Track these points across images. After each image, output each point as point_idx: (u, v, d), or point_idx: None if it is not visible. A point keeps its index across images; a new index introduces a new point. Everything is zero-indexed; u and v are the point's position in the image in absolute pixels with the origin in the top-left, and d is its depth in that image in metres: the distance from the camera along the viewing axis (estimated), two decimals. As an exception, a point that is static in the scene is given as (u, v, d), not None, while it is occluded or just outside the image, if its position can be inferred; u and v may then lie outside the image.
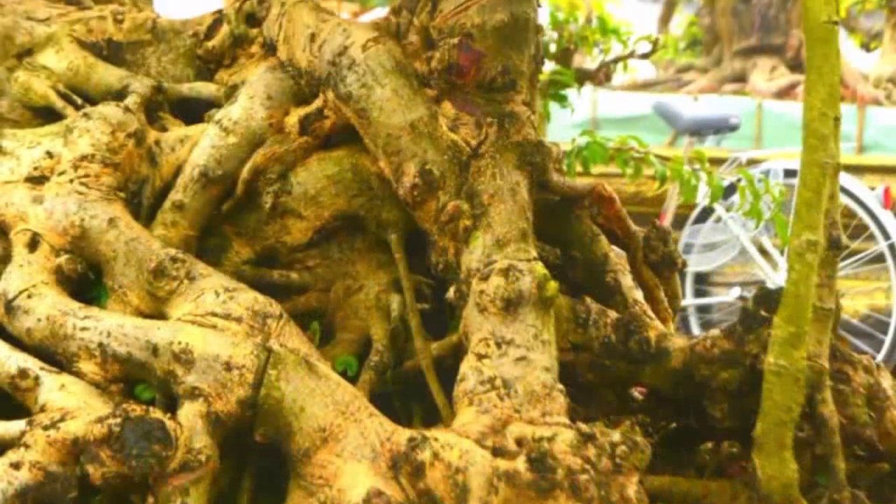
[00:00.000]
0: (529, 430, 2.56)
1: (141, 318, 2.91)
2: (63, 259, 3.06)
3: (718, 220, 7.65)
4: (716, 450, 3.38)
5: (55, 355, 2.89)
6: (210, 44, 3.49)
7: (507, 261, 2.90)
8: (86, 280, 3.08)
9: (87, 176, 3.15)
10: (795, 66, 12.36)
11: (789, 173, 7.20)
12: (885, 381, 3.10)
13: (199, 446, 2.60)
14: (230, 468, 2.76)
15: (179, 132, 3.35)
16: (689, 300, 8.02)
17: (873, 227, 7.33)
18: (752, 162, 7.65)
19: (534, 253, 2.97)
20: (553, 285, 2.83)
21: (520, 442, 2.54)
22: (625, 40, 5.33)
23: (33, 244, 3.08)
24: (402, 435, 2.61)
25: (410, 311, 3.12)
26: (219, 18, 3.51)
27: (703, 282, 8.23)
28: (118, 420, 2.56)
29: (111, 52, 3.55)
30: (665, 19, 17.52)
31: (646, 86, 13.86)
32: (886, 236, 7.26)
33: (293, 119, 3.27)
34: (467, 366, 2.77)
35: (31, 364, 2.86)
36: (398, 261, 3.19)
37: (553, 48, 5.23)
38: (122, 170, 3.19)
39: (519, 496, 2.46)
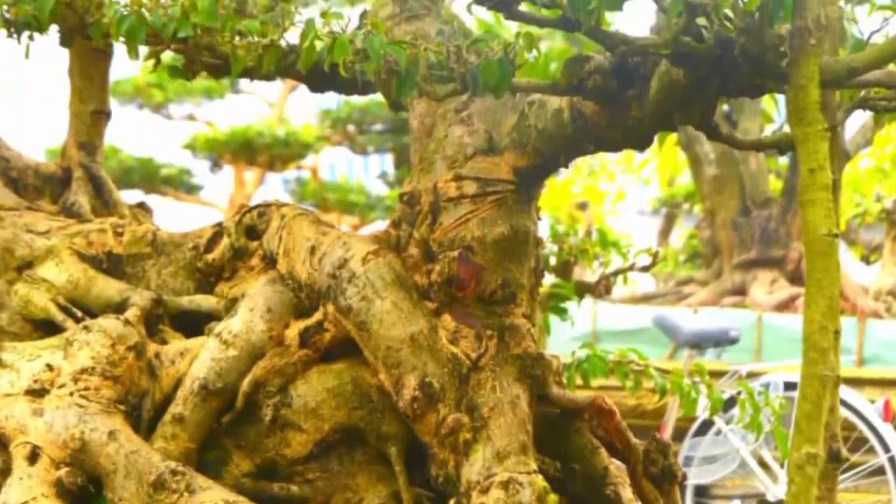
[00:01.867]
0: None
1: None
2: (63, 472, 3.04)
3: (719, 432, 7.61)
4: None
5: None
6: (210, 256, 3.52)
7: (507, 473, 2.88)
8: (86, 493, 3.06)
9: (87, 389, 3.15)
10: (795, 278, 12.42)
11: (789, 386, 7.18)
12: None
13: None
14: None
15: (179, 345, 3.36)
16: (690, 513, 7.92)
17: (873, 440, 7.29)
18: (752, 375, 7.64)
19: (534, 466, 2.95)
20: (553, 498, 2.81)
21: None
22: (625, 253, 5.37)
23: (33, 457, 3.07)
24: None
25: (410, 524, 3.09)
26: (219, 231, 3.55)
27: (704, 494, 8.14)
28: None
29: (111, 264, 3.57)
30: (665, 232, 17.68)
31: (646, 298, 13.91)
32: (886, 449, 7.22)
33: (293, 332, 3.28)
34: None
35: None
36: (398, 474, 3.17)
37: (553, 261, 5.26)
38: (123, 382, 3.19)
39: None
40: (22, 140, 4.47)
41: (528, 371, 3.14)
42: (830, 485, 2.75)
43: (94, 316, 3.41)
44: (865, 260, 14.82)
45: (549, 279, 5.22)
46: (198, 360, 3.26)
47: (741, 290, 12.95)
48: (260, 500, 3.00)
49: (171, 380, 3.27)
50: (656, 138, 3.09)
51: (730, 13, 2.72)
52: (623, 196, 20.04)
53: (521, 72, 2.82)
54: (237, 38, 3.14)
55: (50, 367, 3.24)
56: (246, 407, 3.24)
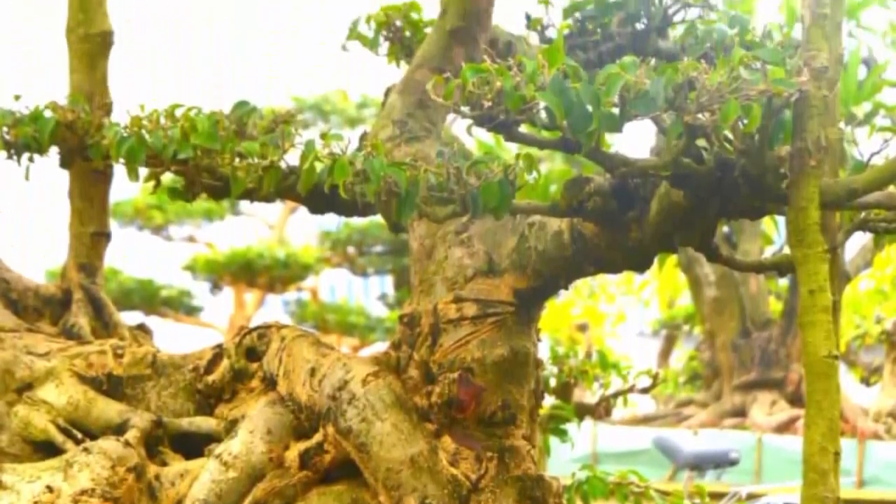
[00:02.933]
0: None
1: None
2: None
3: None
4: None
5: None
6: (210, 378, 3.51)
7: None
8: None
9: (86, 510, 3.13)
10: (795, 400, 12.37)
11: (789, 507, 7.14)
12: None
13: None
14: None
15: (179, 466, 3.34)
16: None
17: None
18: (752, 496, 7.60)
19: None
20: None
21: None
22: (625, 375, 5.36)
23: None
24: None
25: None
26: (219, 353, 3.54)
27: None
28: None
29: (111, 385, 3.56)
30: (665, 354, 17.66)
31: (646, 420, 13.86)
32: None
33: (293, 453, 3.26)
34: None
35: None
36: None
37: (553, 382, 5.25)
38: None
39: None
40: (22, 262, 4.49)
41: (528, 493, 3.12)
42: None
43: (93, 438, 3.39)
44: (865, 381, 14.77)
45: (549, 400, 5.20)
46: (198, 481, 3.24)
47: (741, 412, 12.90)
48: None
49: (172, 501, 3.25)
50: (656, 260, 3.10)
51: (730, 135, 2.74)
52: (623, 318, 20.06)
53: (521, 193, 2.83)
54: (237, 159, 3.16)
55: (50, 489, 3.21)
56: (245, 530, 3.21)
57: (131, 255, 17.26)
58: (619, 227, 3.00)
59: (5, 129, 3.70)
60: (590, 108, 2.65)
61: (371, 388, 3.16)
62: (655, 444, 8.40)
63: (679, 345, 18.34)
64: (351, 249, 18.72)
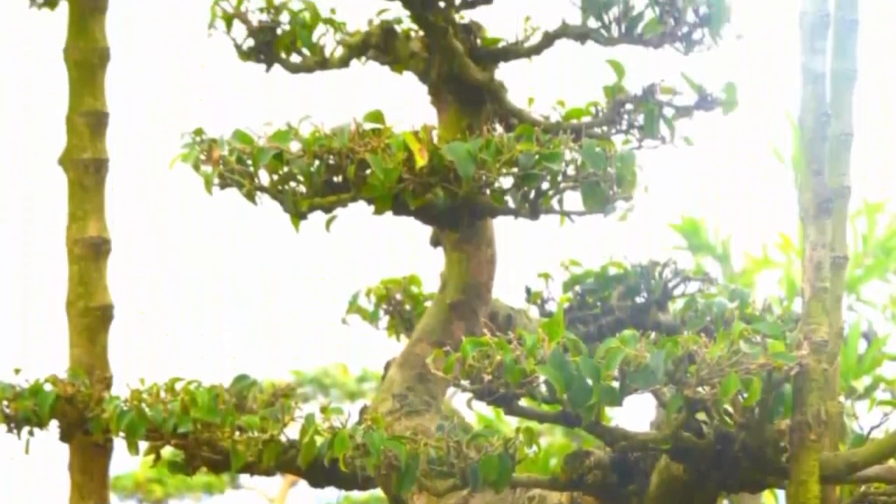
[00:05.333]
0: None
1: None
2: None
3: None
4: None
5: None
6: None
7: None
8: None
9: None
10: None
11: None
12: None
13: None
14: None
15: None
16: None
17: None
18: None
19: None
20: None
21: None
22: None
23: None
24: None
25: None
26: None
27: None
28: None
29: None
30: None
31: None
32: None
33: None
34: None
35: None
36: None
37: None
38: None
39: None
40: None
41: None
42: None
43: None
44: None
45: None
46: None
47: None
48: None
49: None
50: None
51: (730, 408, 2.74)
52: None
53: (522, 467, 2.82)
54: (237, 433, 3.16)
55: None
56: None
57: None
58: (618, 500, 2.97)
59: (5, 403, 3.70)
60: (590, 381, 2.66)
61: None
62: None
63: None
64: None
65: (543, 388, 2.70)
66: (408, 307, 4.02)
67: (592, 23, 3.36)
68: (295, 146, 3.13)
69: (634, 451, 2.93)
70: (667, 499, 2.91)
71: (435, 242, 3.59)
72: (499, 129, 3.39)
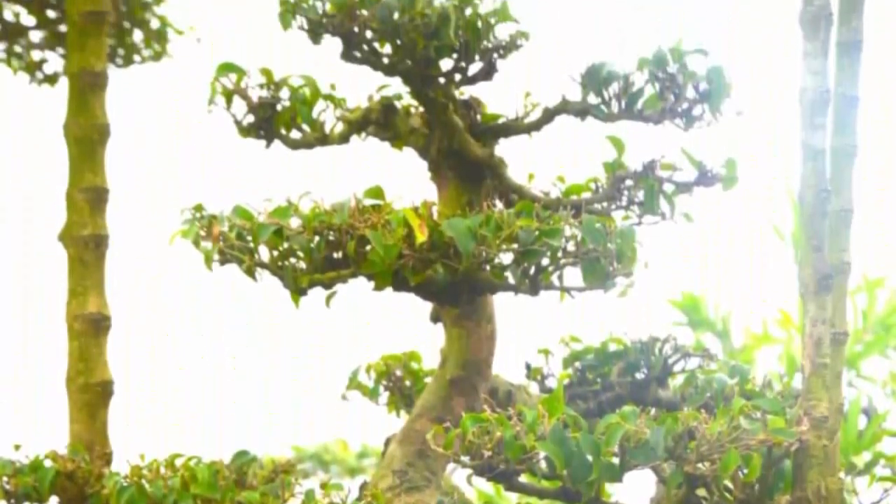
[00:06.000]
0: None
1: None
2: None
3: None
4: None
5: None
6: None
7: None
8: None
9: None
10: None
11: None
12: None
13: None
14: None
15: None
16: None
17: None
18: None
19: None
20: None
21: None
22: None
23: None
24: None
25: None
26: None
27: None
28: None
29: None
30: None
31: None
32: None
33: None
34: None
35: None
36: None
37: None
38: None
39: None
40: None
41: None
42: None
43: None
44: None
45: None
46: None
47: None
48: None
49: None
50: None
51: (730, 484, 2.73)
52: None
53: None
54: (237, 509, 3.14)
55: None
56: None
57: None
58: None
59: (5, 478, 3.69)
60: (590, 457, 2.65)
61: None
62: None
63: None
64: None
65: (543, 464, 2.70)
66: (408, 383, 4.01)
67: (592, 99, 3.37)
68: (295, 222, 3.14)
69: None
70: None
71: (435, 318, 3.59)
72: (499, 204, 3.40)
